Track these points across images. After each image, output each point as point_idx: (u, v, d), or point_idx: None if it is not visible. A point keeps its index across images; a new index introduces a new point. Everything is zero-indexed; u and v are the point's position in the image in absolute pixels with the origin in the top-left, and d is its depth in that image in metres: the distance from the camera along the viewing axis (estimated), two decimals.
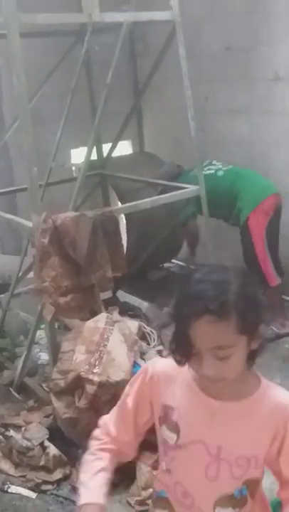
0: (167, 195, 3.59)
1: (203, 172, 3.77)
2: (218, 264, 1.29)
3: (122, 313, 3.28)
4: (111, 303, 3.57)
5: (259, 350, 1.29)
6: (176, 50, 3.47)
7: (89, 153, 3.35)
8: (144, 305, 4.01)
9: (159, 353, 3.03)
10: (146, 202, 3.43)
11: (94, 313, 3.12)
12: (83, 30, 3.61)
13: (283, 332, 3.76)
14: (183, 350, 1.23)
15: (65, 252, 2.92)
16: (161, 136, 4.76)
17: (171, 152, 4.49)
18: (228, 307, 1.14)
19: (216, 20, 4.27)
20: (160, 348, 3.13)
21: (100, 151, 4.48)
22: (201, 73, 4.28)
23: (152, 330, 3.51)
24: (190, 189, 3.66)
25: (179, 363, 1.28)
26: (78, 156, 4.67)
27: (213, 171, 3.87)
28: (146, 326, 3.47)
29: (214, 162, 3.98)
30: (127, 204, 3.54)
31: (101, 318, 2.97)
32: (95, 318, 2.98)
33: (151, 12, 3.38)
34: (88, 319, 3.01)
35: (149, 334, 3.45)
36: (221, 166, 3.91)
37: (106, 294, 3.77)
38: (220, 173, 3.84)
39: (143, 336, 3.34)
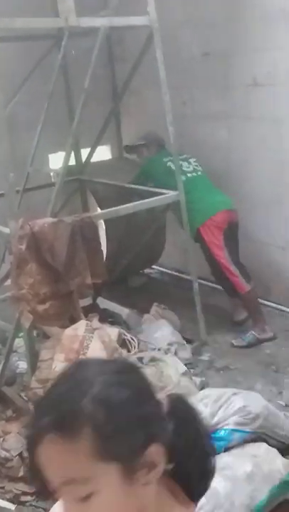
0: (147, 200, 3.57)
1: (173, 165, 3.81)
2: (119, 358, 0.95)
3: (102, 320, 3.25)
4: (91, 310, 3.53)
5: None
6: (154, 55, 3.47)
7: (67, 158, 3.32)
8: (124, 312, 3.98)
9: (140, 360, 3.00)
10: (125, 208, 3.41)
11: (73, 320, 3.08)
12: (60, 34, 3.58)
13: (263, 337, 3.79)
14: (38, 485, 0.84)
15: (43, 259, 2.88)
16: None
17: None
18: (77, 421, 0.79)
19: (194, 26, 4.28)
20: (141, 355, 3.10)
21: (78, 156, 4.45)
22: (179, 78, 4.28)
23: (133, 337, 3.48)
24: (169, 195, 3.65)
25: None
26: (56, 161, 4.62)
27: (186, 168, 3.96)
28: (126, 333, 3.44)
29: (190, 160, 4.04)
30: (106, 210, 3.51)
31: (80, 326, 2.93)
32: (74, 326, 2.94)
33: (128, 17, 3.37)
34: (67, 327, 2.97)
35: (129, 341, 3.42)
36: (187, 169, 3.94)
37: (86, 301, 3.74)
38: (182, 177, 3.79)
39: (123, 343, 3.31)
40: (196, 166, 4.03)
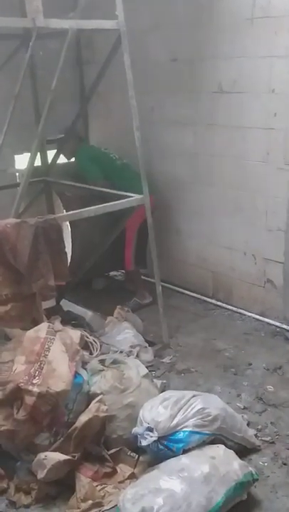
0: (111, 203, 3.58)
1: (107, 152, 4.45)
2: None
3: (64, 322, 3.24)
4: (55, 312, 3.52)
5: None
6: (122, 59, 3.49)
7: (32, 159, 3.30)
8: (87, 314, 3.98)
9: (101, 362, 3.00)
10: (90, 210, 3.41)
11: (35, 322, 3.06)
12: (28, 34, 3.56)
13: (144, 302, 4.43)
14: None
15: (5, 260, 2.86)
16: (107, 144, 4.75)
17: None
18: None
19: (162, 32, 4.33)
20: (102, 357, 3.11)
21: (44, 158, 4.42)
22: (147, 83, 4.32)
23: (95, 339, 3.48)
24: (134, 198, 3.67)
25: None
26: (22, 161, 4.59)
27: (114, 157, 4.45)
28: (88, 336, 3.45)
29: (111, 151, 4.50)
30: (71, 212, 3.51)
31: (42, 328, 2.92)
32: (36, 328, 2.93)
33: (96, 20, 3.39)
34: (29, 329, 2.95)
35: (92, 343, 3.43)
36: (118, 157, 4.44)
37: (50, 303, 3.71)
38: (118, 162, 4.41)
39: (86, 345, 3.31)
40: (119, 156, 4.46)
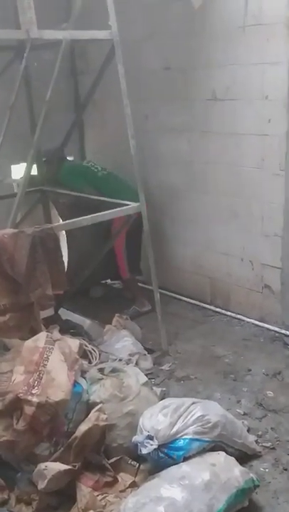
0: (108, 212, 3.60)
1: (89, 165, 4.49)
2: None
3: (63, 331, 3.24)
4: (53, 321, 3.51)
5: None
6: (116, 69, 3.51)
7: (28, 168, 3.31)
8: (86, 323, 3.98)
9: (101, 370, 3.00)
10: (86, 219, 3.42)
11: (34, 332, 3.06)
12: (22, 46, 3.59)
13: (143, 310, 4.44)
14: None
15: (3, 270, 2.87)
16: (102, 153, 4.78)
17: (113, 169, 4.51)
18: None
19: (155, 40, 4.36)
20: (102, 365, 3.11)
21: (40, 167, 4.44)
22: (141, 92, 4.34)
23: (94, 348, 3.48)
24: (131, 206, 3.69)
25: None
26: (19, 171, 4.61)
27: (95, 169, 4.46)
28: (87, 344, 3.45)
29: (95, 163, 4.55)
30: (68, 221, 3.52)
31: (41, 338, 2.92)
32: (35, 338, 2.93)
33: (90, 31, 3.41)
34: (28, 338, 2.95)
35: (90, 352, 3.43)
36: (100, 169, 4.46)
37: (48, 312, 3.72)
38: (100, 173, 4.42)
39: (84, 354, 3.31)
40: (101, 167, 4.50)
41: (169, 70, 4.35)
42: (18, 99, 3.59)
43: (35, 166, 4.17)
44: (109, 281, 5.12)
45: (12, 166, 4.74)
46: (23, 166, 3.92)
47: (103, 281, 5.08)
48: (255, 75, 3.75)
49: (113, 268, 4.54)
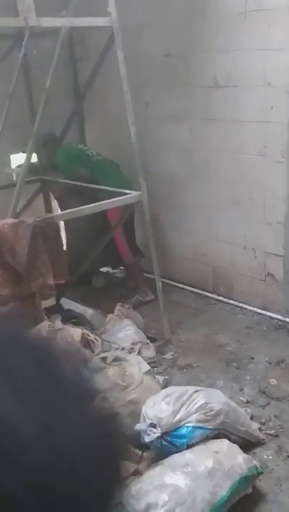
0: (109, 201, 3.58)
1: (84, 149, 4.45)
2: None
3: (65, 321, 3.24)
4: (55, 311, 3.51)
5: None
6: (116, 55, 3.48)
7: (28, 158, 3.29)
8: (88, 312, 3.97)
9: (103, 359, 3.00)
10: (88, 208, 3.41)
11: (36, 322, 3.06)
12: (21, 34, 3.55)
13: (146, 299, 4.39)
14: None
15: (4, 260, 2.86)
16: (103, 141, 4.74)
17: (113, 157, 4.49)
18: None
19: (156, 27, 4.31)
20: (104, 354, 3.11)
21: (40, 156, 4.42)
22: (141, 79, 4.30)
23: (96, 337, 3.48)
24: (132, 195, 3.66)
25: None
26: (19, 161, 4.58)
27: (90, 154, 4.41)
28: (89, 334, 3.44)
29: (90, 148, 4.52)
30: (69, 210, 3.50)
31: (43, 327, 2.92)
32: (37, 327, 2.93)
33: (89, 18, 3.38)
34: (30, 329, 2.95)
35: (93, 341, 3.42)
36: (95, 153, 4.42)
37: (49, 302, 3.71)
38: (95, 158, 4.38)
39: (87, 344, 3.31)
40: (96, 152, 4.46)
41: (170, 57, 4.30)
42: (17, 88, 3.57)
43: (35, 155, 4.15)
44: (111, 270, 5.11)
45: (11, 156, 4.71)
46: (23, 155, 3.90)
47: (105, 271, 5.07)
48: (257, 62, 3.71)
49: (113, 254, 4.50)
